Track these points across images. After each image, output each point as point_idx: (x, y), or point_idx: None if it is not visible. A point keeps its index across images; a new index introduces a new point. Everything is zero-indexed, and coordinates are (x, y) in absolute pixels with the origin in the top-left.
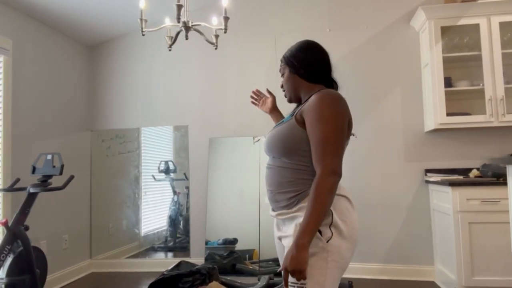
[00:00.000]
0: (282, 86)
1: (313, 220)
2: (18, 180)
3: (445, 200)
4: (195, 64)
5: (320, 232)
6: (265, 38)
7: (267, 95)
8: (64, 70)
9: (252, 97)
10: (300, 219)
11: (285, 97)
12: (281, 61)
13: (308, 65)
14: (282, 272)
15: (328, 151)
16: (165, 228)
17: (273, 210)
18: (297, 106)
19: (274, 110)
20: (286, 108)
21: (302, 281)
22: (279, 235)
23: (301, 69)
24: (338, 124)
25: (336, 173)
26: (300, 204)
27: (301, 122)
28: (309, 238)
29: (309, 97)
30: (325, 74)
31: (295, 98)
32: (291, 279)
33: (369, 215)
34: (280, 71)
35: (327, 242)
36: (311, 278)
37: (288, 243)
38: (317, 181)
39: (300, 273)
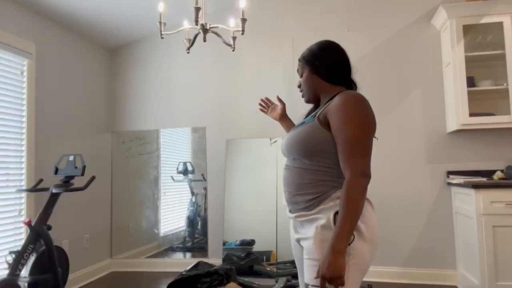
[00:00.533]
0: (299, 86)
1: (349, 223)
2: (41, 180)
3: (468, 203)
4: (213, 66)
5: None
6: (282, 39)
7: (277, 102)
8: (86, 73)
9: (260, 104)
10: (321, 221)
11: (303, 97)
12: (300, 60)
13: (330, 65)
14: (319, 279)
15: (356, 153)
16: (183, 228)
17: (290, 211)
18: (315, 107)
19: (284, 118)
20: (297, 111)
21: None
22: (298, 237)
23: (322, 69)
24: (365, 125)
25: (366, 174)
26: (320, 206)
27: (324, 123)
28: (346, 242)
29: (331, 98)
30: (345, 75)
31: (314, 98)
32: (313, 282)
33: (389, 217)
34: (298, 71)
35: (349, 245)
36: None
37: (308, 245)
38: (348, 183)
39: (339, 279)
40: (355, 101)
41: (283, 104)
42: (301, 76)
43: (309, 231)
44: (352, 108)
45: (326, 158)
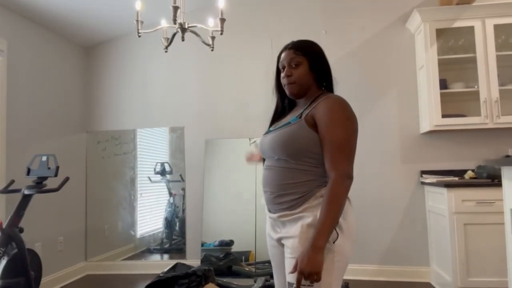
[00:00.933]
0: (288, 76)
1: (330, 222)
2: (12, 181)
3: (441, 202)
4: (191, 65)
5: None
6: (262, 39)
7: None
8: (60, 71)
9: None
10: (306, 219)
11: (289, 89)
12: (298, 50)
13: (325, 70)
14: (296, 274)
15: (343, 156)
16: (161, 230)
17: (270, 211)
18: (300, 107)
19: None
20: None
21: (309, 283)
22: (279, 236)
23: (319, 70)
24: (352, 130)
25: (350, 176)
26: (305, 205)
27: (311, 124)
28: (326, 240)
29: (315, 99)
30: (331, 82)
31: (301, 95)
32: (303, 281)
33: (365, 216)
34: (293, 59)
35: (333, 243)
36: (327, 281)
37: (292, 243)
38: (333, 184)
39: (317, 275)
40: (343, 105)
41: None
42: (295, 66)
43: (293, 230)
44: (341, 112)
45: (311, 158)
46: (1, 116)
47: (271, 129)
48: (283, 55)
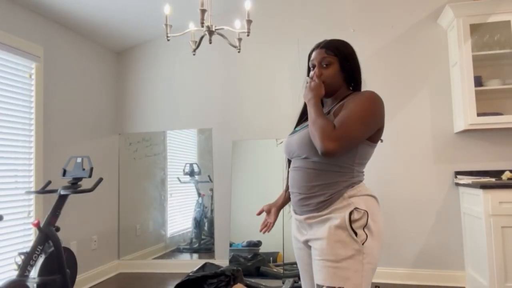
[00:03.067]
0: (318, 76)
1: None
2: (49, 182)
3: (476, 203)
4: (219, 67)
5: (355, 233)
6: (288, 40)
7: (267, 217)
8: (93, 75)
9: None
10: (334, 221)
11: None
12: (329, 49)
13: (356, 71)
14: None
15: (346, 124)
16: (190, 229)
17: (296, 213)
18: (327, 106)
19: (280, 206)
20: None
21: (340, 285)
22: (306, 238)
23: (350, 71)
24: (373, 118)
25: (334, 145)
26: (332, 206)
27: None
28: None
29: (343, 98)
30: (360, 83)
31: (329, 95)
32: (330, 283)
33: (397, 218)
34: (324, 59)
35: (363, 244)
36: (348, 280)
37: (321, 245)
38: (317, 142)
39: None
40: (373, 99)
41: (275, 214)
42: (325, 66)
43: (320, 231)
44: (368, 102)
45: (341, 156)
46: (39, 120)
47: (297, 128)
48: (314, 54)
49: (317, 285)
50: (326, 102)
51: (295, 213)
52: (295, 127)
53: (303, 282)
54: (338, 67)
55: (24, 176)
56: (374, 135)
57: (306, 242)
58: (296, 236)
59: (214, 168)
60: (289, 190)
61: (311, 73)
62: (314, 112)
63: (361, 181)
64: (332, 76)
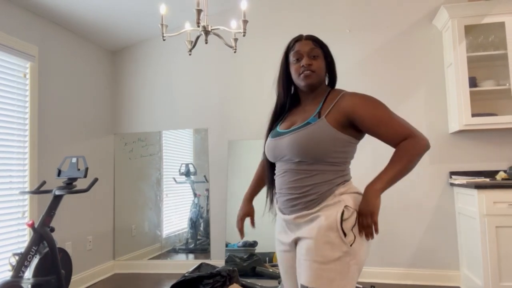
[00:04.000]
0: (309, 65)
1: (397, 176)
2: (44, 182)
3: (471, 203)
4: (215, 67)
5: (345, 234)
6: (284, 40)
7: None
8: (88, 75)
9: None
10: (324, 221)
11: (306, 79)
12: (315, 42)
13: (334, 67)
14: (365, 218)
15: (404, 125)
16: (186, 230)
17: (283, 213)
18: (310, 105)
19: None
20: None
21: (324, 287)
22: (295, 237)
23: (331, 66)
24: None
25: (425, 139)
26: (322, 204)
27: (337, 122)
28: (384, 186)
29: (328, 96)
30: (335, 81)
31: (315, 87)
32: (314, 284)
33: (392, 218)
34: (313, 50)
35: (351, 245)
36: (334, 282)
37: (308, 245)
38: (414, 142)
39: (372, 216)
40: (368, 96)
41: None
42: (314, 57)
43: (309, 230)
44: (371, 99)
45: (334, 157)
46: (33, 120)
47: (281, 130)
48: (299, 44)
49: (302, 285)
50: (305, 99)
51: (282, 213)
52: (272, 127)
53: (285, 285)
54: (323, 61)
55: (18, 176)
56: (362, 133)
57: (293, 242)
58: (280, 239)
59: (210, 169)
60: (278, 191)
61: (303, 61)
62: (395, 175)
63: (350, 178)
64: (321, 68)
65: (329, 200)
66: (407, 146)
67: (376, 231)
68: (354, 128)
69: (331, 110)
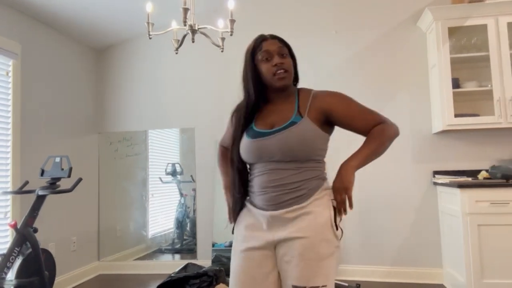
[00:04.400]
0: (282, 64)
1: (370, 156)
2: (27, 182)
3: (454, 202)
4: (202, 67)
5: (337, 229)
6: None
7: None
8: (72, 73)
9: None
10: (313, 216)
11: (282, 80)
12: (283, 43)
13: (297, 67)
14: (340, 193)
15: (375, 113)
16: (172, 230)
17: (263, 209)
18: (283, 103)
19: None
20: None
21: (323, 284)
22: (282, 237)
23: (295, 67)
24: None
25: (396, 126)
26: (313, 197)
27: (318, 119)
28: (359, 164)
29: (299, 94)
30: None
31: (288, 86)
32: (313, 283)
33: (376, 217)
34: (281, 49)
35: (340, 239)
36: (330, 277)
37: (304, 245)
38: (386, 127)
39: (346, 191)
40: (340, 93)
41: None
42: (284, 56)
43: (303, 230)
44: (343, 95)
45: (318, 155)
46: (16, 118)
47: (262, 129)
48: (267, 44)
49: (296, 286)
50: (274, 97)
51: (263, 209)
52: (244, 127)
53: (245, 277)
54: (291, 59)
55: (0, 176)
56: (333, 129)
57: (272, 243)
58: (256, 235)
59: (196, 168)
60: (263, 190)
61: (275, 60)
62: (369, 155)
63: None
64: (291, 66)
65: (316, 195)
66: (380, 130)
67: (351, 206)
68: (329, 124)
69: (309, 108)
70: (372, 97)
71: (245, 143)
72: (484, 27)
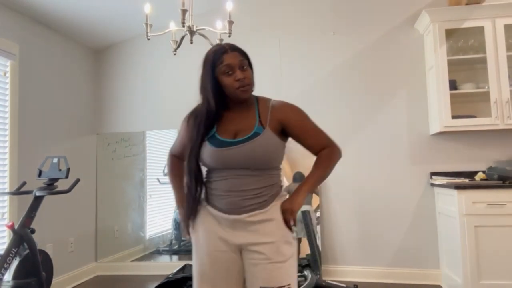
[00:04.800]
0: (245, 78)
1: (319, 180)
2: (24, 183)
3: (451, 203)
4: (199, 68)
5: (292, 231)
6: (269, 41)
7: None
8: (71, 74)
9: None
10: (276, 222)
11: (244, 93)
12: (243, 55)
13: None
14: (286, 214)
15: (327, 136)
16: (170, 231)
17: (229, 213)
18: (243, 113)
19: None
20: None
21: (288, 282)
22: (244, 242)
23: (253, 77)
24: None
25: (340, 150)
26: (273, 203)
27: (277, 129)
28: (310, 190)
29: (258, 104)
30: None
31: (249, 99)
32: (280, 283)
33: (374, 218)
34: (242, 61)
35: (296, 240)
36: (293, 276)
37: (270, 249)
38: (332, 152)
39: (292, 213)
40: (295, 106)
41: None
42: (244, 68)
43: (268, 235)
44: (300, 110)
45: (278, 162)
46: (13, 119)
47: (226, 139)
48: (228, 57)
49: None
50: (238, 104)
51: (227, 213)
52: (204, 133)
53: (210, 280)
54: (251, 71)
55: None
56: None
57: (237, 246)
58: (223, 237)
59: None
60: (225, 193)
61: (237, 75)
62: (317, 180)
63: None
64: (252, 78)
65: (276, 201)
66: (328, 155)
67: (293, 224)
68: (284, 134)
69: (270, 119)
70: (370, 99)
71: (210, 151)
72: (481, 29)
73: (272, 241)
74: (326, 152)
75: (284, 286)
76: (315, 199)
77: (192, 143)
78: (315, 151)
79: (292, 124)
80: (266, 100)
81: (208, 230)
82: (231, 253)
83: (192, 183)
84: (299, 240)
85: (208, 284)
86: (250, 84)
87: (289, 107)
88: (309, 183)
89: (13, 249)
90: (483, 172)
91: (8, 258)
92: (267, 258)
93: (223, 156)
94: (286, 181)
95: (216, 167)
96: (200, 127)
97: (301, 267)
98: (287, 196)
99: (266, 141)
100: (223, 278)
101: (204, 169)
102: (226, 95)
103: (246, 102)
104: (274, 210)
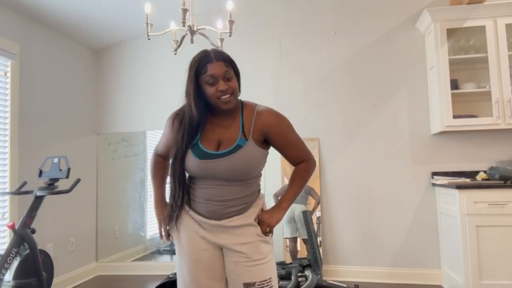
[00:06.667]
0: (227, 89)
1: (297, 193)
2: (25, 183)
3: (452, 203)
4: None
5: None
6: (270, 41)
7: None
8: (71, 74)
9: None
10: (253, 226)
11: (226, 104)
12: (229, 63)
13: (240, 82)
14: (263, 226)
15: (305, 150)
16: None
17: (209, 218)
18: (227, 121)
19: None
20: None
21: (269, 276)
22: (224, 243)
23: (239, 84)
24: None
25: (315, 162)
26: (251, 209)
27: (259, 140)
28: (289, 205)
29: (242, 112)
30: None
31: (233, 108)
32: (262, 278)
33: (375, 218)
34: (227, 72)
35: (271, 236)
36: (273, 270)
37: (249, 248)
38: (308, 167)
39: (270, 227)
40: (281, 115)
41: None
42: (228, 79)
43: (246, 237)
44: (284, 121)
45: (260, 171)
46: (14, 119)
47: (208, 150)
48: (212, 67)
49: (247, 283)
50: (218, 113)
51: (207, 218)
52: (188, 142)
53: (194, 279)
54: (236, 79)
55: None
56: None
57: (220, 245)
58: (205, 237)
59: None
60: (206, 202)
61: (220, 86)
62: (296, 194)
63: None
64: (236, 88)
65: (253, 206)
66: (305, 169)
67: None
68: (267, 142)
69: (253, 130)
70: (371, 98)
71: (193, 162)
72: (482, 29)
73: (251, 241)
74: (303, 166)
75: (266, 280)
76: (310, 200)
77: (177, 149)
78: (294, 163)
79: (274, 136)
80: (252, 106)
81: (190, 230)
82: (213, 250)
83: (176, 187)
84: (295, 239)
85: (192, 283)
86: (233, 95)
87: (273, 118)
88: (289, 200)
89: (14, 249)
90: (485, 172)
91: (9, 258)
92: (247, 257)
93: (206, 167)
94: (286, 181)
95: (199, 177)
96: (184, 135)
97: (302, 267)
98: (264, 199)
99: (248, 153)
100: (207, 276)
101: (187, 173)
102: (209, 103)
103: (231, 110)
104: (251, 214)
